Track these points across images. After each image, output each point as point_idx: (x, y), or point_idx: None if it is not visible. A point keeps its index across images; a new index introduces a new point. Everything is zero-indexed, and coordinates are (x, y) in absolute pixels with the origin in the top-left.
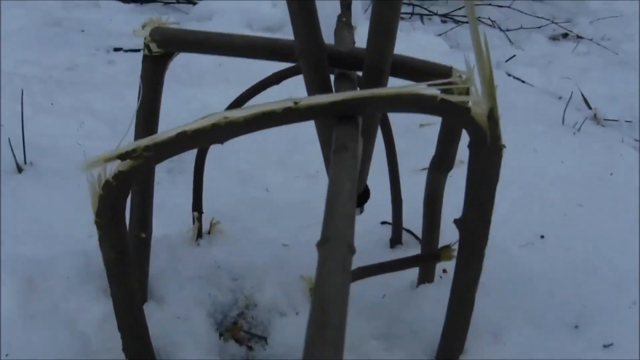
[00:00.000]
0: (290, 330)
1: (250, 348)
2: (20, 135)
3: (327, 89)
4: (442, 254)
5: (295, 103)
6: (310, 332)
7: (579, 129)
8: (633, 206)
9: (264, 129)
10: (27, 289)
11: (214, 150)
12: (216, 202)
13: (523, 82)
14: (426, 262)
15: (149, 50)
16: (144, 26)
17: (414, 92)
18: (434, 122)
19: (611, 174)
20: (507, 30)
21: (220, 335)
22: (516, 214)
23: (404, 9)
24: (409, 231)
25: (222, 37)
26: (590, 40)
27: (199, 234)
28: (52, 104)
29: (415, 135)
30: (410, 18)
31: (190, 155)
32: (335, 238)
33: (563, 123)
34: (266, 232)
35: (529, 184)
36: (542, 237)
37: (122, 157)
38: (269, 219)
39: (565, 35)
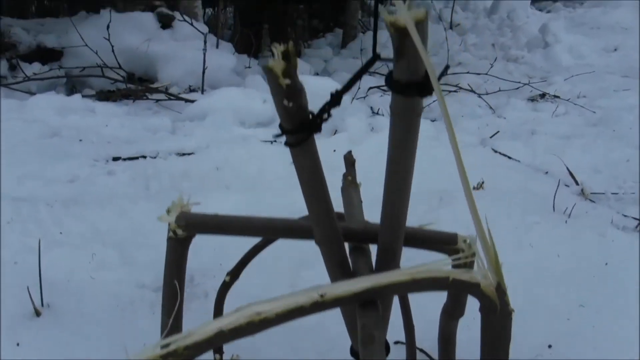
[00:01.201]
0: None
1: None
2: (33, 271)
3: (345, 269)
4: None
5: (322, 296)
6: None
7: (569, 215)
8: (630, 297)
9: (294, 319)
10: None
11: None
12: None
13: (510, 158)
14: None
15: (175, 233)
16: (168, 211)
17: (428, 275)
18: (432, 223)
19: (606, 263)
20: (487, 93)
21: None
22: (523, 325)
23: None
24: (422, 351)
25: (242, 220)
26: (567, 100)
27: None
28: (61, 232)
29: None
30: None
31: (203, 278)
32: None
33: (554, 210)
34: None
35: (531, 286)
36: (549, 346)
37: (164, 357)
38: (287, 348)
39: (542, 96)
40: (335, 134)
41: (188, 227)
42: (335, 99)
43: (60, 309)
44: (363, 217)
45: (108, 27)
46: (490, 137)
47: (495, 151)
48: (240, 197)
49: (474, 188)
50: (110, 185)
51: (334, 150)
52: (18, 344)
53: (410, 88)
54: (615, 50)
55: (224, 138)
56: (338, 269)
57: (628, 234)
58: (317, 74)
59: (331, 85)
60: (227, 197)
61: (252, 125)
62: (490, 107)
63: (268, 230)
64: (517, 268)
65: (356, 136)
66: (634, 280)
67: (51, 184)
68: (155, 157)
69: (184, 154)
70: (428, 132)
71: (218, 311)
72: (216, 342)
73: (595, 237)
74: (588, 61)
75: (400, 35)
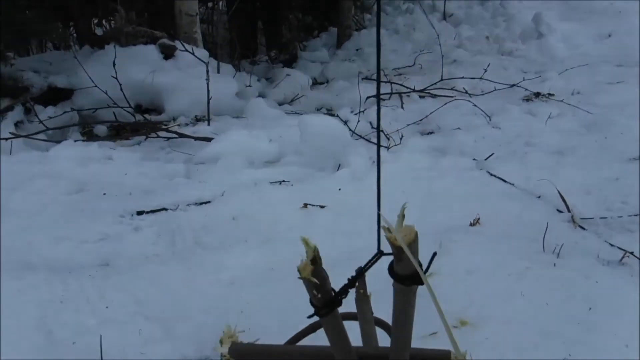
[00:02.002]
0: None
1: None
2: (92, 350)
3: None
4: None
5: None
6: None
7: (558, 254)
8: (611, 346)
9: None
10: None
11: None
12: None
13: (505, 181)
14: None
15: None
16: (221, 341)
17: None
18: (435, 272)
19: (590, 308)
20: (483, 93)
21: None
22: None
23: (383, 88)
24: None
25: (283, 349)
26: (561, 101)
27: None
28: (107, 307)
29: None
30: (389, 98)
31: None
32: None
33: (544, 250)
34: None
35: (521, 340)
36: None
37: None
38: None
39: (537, 95)
40: (339, 169)
41: (239, 357)
42: (352, 283)
43: None
44: (375, 333)
45: (114, 64)
46: (485, 159)
47: (491, 174)
48: (258, 251)
49: (470, 224)
50: (139, 244)
51: (339, 189)
52: None
53: (407, 279)
54: (610, 36)
55: (236, 183)
56: None
57: (612, 270)
58: (314, 80)
59: (335, 124)
60: (247, 252)
61: (261, 165)
62: (486, 115)
63: (304, 356)
64: (509, 320)
65: (359, 172)
66: (614, 326)
67: (84, 245)
68: (175, 210)
69: (201, 203)
70: (423, 162)
71: None
72: None
73: (580, 279)
74: (582, 50)
75: (397, 249)
